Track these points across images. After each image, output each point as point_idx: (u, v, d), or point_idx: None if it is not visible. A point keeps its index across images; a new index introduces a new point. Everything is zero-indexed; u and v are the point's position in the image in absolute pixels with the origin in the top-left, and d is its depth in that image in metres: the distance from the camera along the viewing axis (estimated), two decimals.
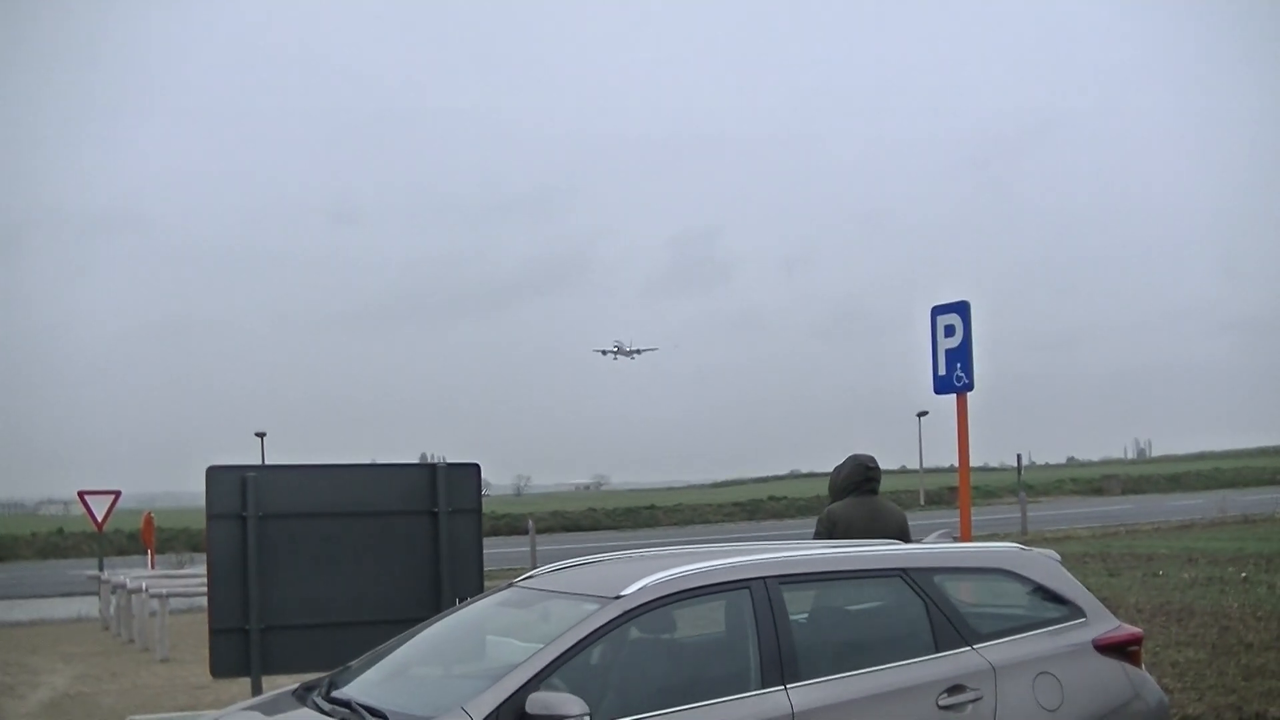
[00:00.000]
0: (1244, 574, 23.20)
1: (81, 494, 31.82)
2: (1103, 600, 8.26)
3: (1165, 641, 15.53)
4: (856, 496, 10.29)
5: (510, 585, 8.15)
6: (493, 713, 6.23)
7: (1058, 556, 8.17)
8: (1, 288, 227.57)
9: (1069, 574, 8.04)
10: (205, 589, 11.82)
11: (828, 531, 10.23)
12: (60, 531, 70.40)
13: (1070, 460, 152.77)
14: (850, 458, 10.53)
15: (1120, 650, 7.69)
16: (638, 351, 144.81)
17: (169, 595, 22.01)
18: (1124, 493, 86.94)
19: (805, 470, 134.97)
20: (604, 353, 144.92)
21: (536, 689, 6.32)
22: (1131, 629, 7.94)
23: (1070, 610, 7.77)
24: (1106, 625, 7.79)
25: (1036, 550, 8.19)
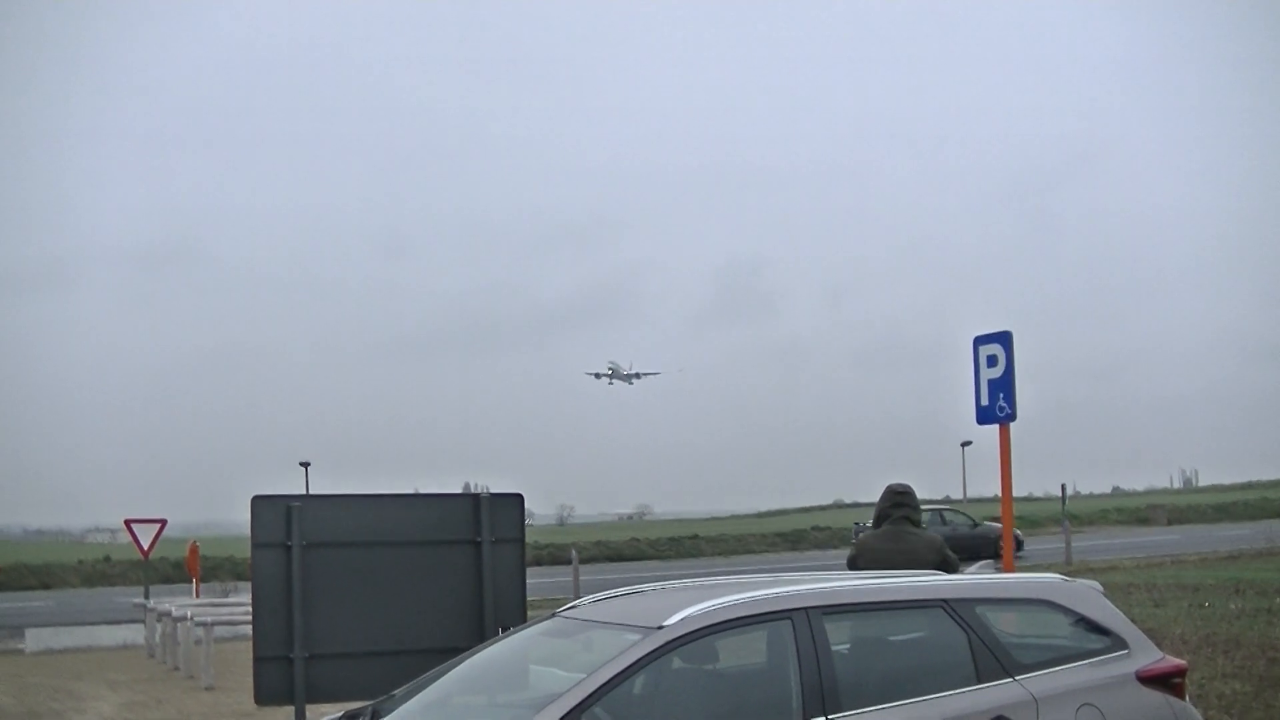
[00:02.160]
0: None
1: (128, 522, 31.98)
2: (1148, 631, 8.24)
3: (1211, 674, 15.42)
4: (888, 526, 10.32)
5: (553, 615, 8.19)
6: None
7: (1100, 587, 8.15)
8: (55, 319, 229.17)
9: (1112, 605, 8.01)
10: (250, 617, 11.88)
11: (852, 561, 10.31)
12: (107, 559, 70.74)
13: (1115, 490, 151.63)
14: (885, 487, 10.57)
15: (1164, 682, 7.66)
16: (636, 375, 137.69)
17: (214, 623, 22.13)
18: (1170, 523, 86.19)
19: (849, 500, 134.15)
20: (597, 376, 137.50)
21: (579, 719, 6.35)
22: (1176, 661, 7.90)
23: (1113, 641, 7.74)
24: (1150, 657, 7.76)
25: (1079, 580, 8.17)
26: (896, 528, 10.26)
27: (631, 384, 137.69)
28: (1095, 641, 7.74)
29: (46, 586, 63.14)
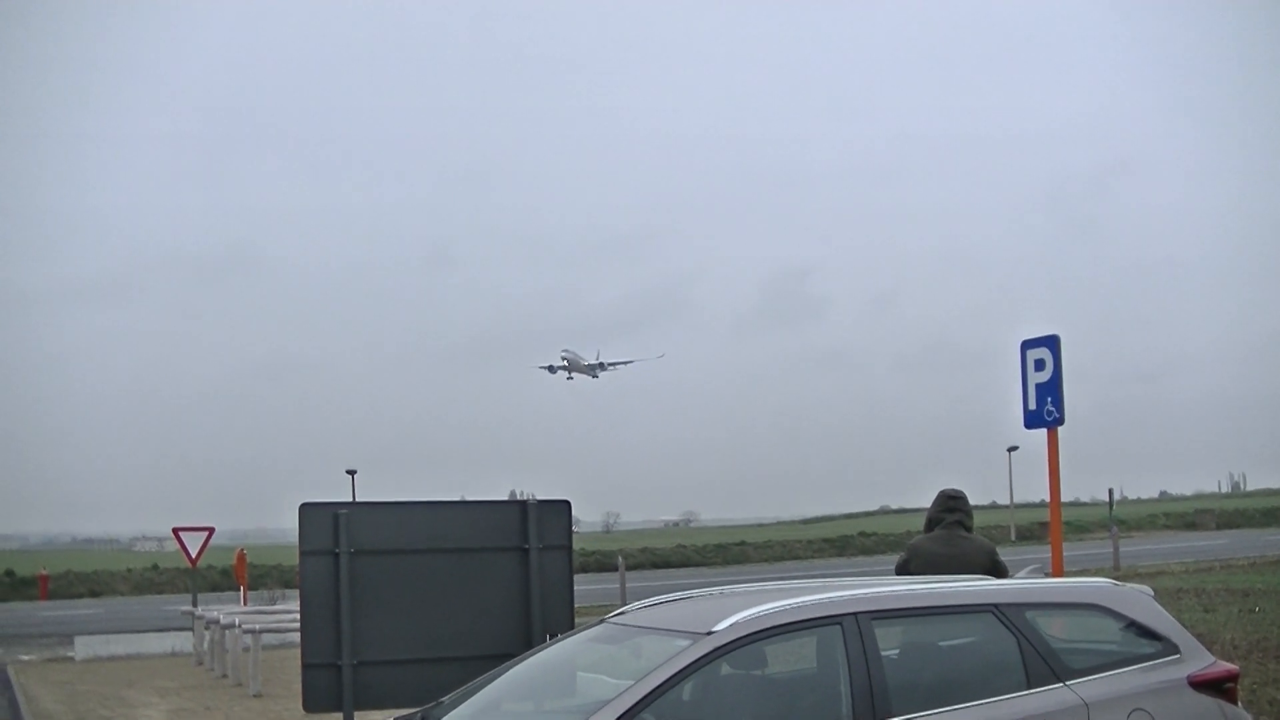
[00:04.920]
0: None
1: (176, 530, 32.13)
2: (1198, 636, 8.18)
3: (1262, 679, 15.30)
4: (941, 530, 10.31)
5: (602, 621, 8.18)
6: None
7: (1151, 591, 8.10)
8: (112, 329, 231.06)
9: (1163, 609, 7.96)
10: (298, 624, 11.92)
11: (903, 565, 10.28)
12: (155, 567, 71.30)
13: (1163, 494, 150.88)
14: (938, 492, 10.56)
15: (1216, 687, 7.60)
16: (601, 366, 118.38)
17: (262, 631, 22.18)
18: (1218, 527, 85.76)
19: (895, 506, 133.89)
20: (551, 370, 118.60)
21: None
22: (1227, 666, 7.84)
23: (1164, 646, 7.69)
24: (1202, 662, 7.71)
25: (1129, 585, 8.12)
26: (949, 532, 10.25)
27: (596, 376, 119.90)
28: (1146, 646, 7.69)
29: (95, 594, 63.64)
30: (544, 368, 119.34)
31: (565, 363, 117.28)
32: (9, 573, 66.98)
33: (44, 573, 64.57)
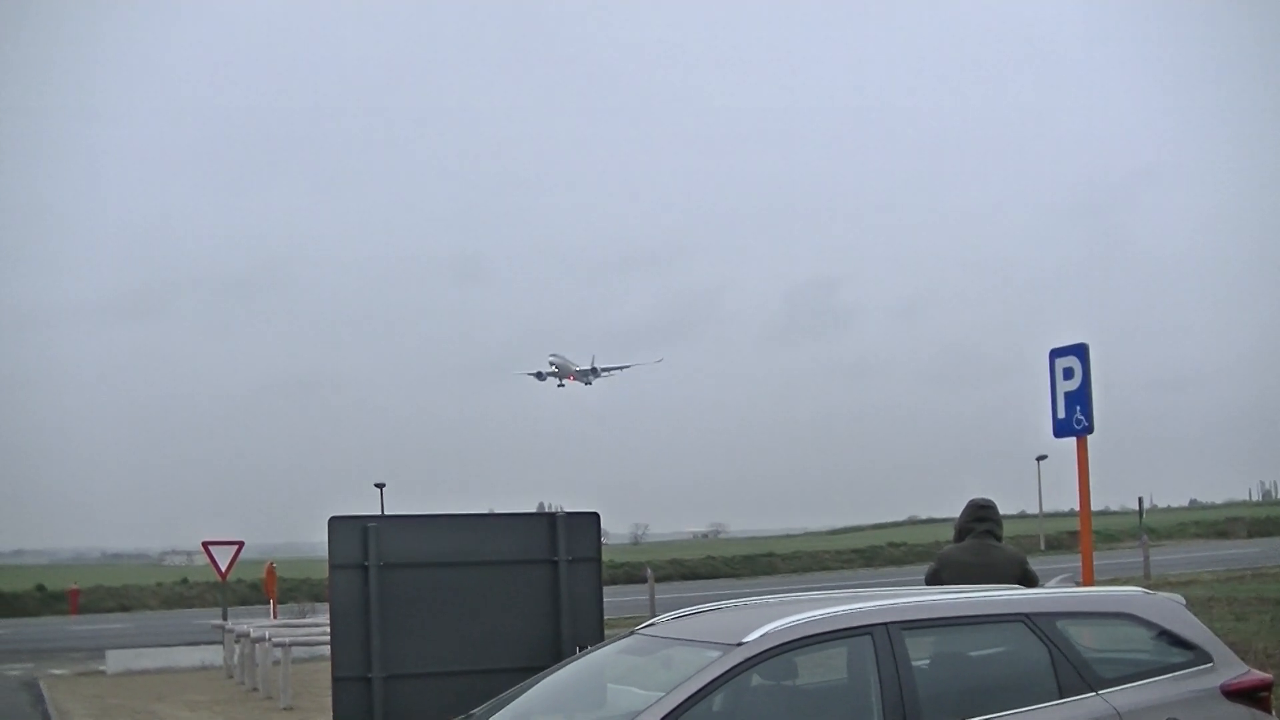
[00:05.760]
0: None
1: (205, 544, 32.27)
2: (1230, 645, 8.13)
3: None
4: (971, 540, 10.30)
5: (632, 633, 8.18)
6: None
7: (1183, 600, 8.06)
8: (142, 345, 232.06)
9: (1195, 618, 7.93)
10: (327, 638, 11.94)
11: (934, 575, 10.27)
12: (185, 581, 71.47)
13: (1192, 503, 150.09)
14: (968, 501, 10.54)
15: (1249, 696, 7.57)
16: (594, 371, 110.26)
17: (291, 644, 22.24)
18: (1249, 535, 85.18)
19: (923, 516, 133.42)
20: (540, 376, 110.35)
21: None
22: (1261, 674, 7.81)
23: (1197, 655, 7.66)
24: (1235, 670, 7.67)
25: (1161, 594, 8.09)
26: (979, 541, 10.23)
27: (589, 383, 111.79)
28: (1178, 655, 7.66)
29: (125, 609, 63.85)
30: (532, 374, 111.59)
31: (554, 368, 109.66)
32: (40, 587, 67.25)
33: (74, 587, 64.79)
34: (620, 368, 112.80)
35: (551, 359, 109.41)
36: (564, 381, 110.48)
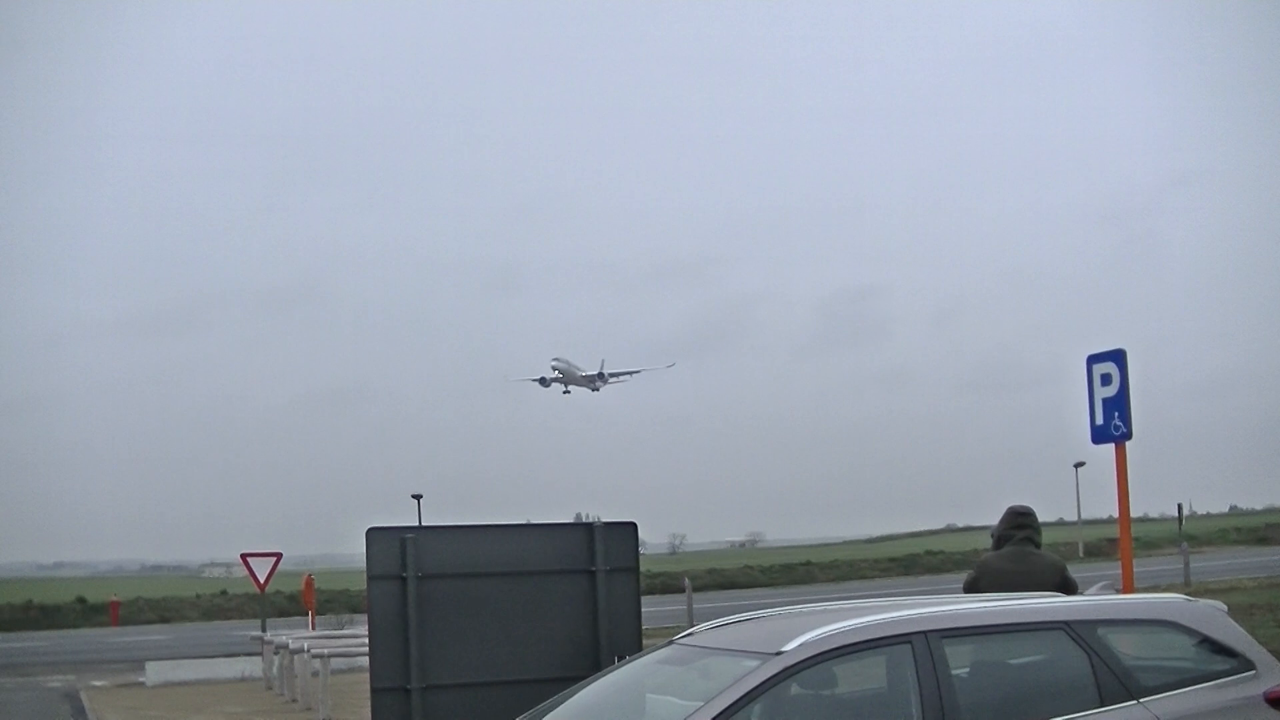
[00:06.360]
0: None
1: (244, 556, 32.32)
2: (1273, 652, 8.08)
3: None
4: (1010, 547, 10.25)
5: (670, 643, 8.18)
6: None
7: (1224, 607, 8.01)
8: (182, 362, 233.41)
9: (1236, 625, 7.88)
10: (366, 649, 11.95)
11: (973, 583, 10.23)
12: (224, 593, 71.72)
13: (1233, 509, 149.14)
14: (1006, 509, 10.50)
15: None
16: (601, 377, 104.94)
17: (330, 655, 22.29)
18: None
19: (961, 524, 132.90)
20: (543, 383, 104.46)
21: None
22: None
23: (1239, 663, 7.61)
24: (1278, 678, 7.63)
25: (1202, 601, 8.04)
26: (1018, 549, 10.19)
27: (597, 389, 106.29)
28: (1220, 663, 7.61)
29: (165, 620, 64.08)
30: (535, 380, 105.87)
31: (558, 374, 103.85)
32: (80, 599, 67.62)
33: (115, 599, 65.07)
34: (629, 373, 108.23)
35: (554, 363, 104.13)
36: (569, 388, 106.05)
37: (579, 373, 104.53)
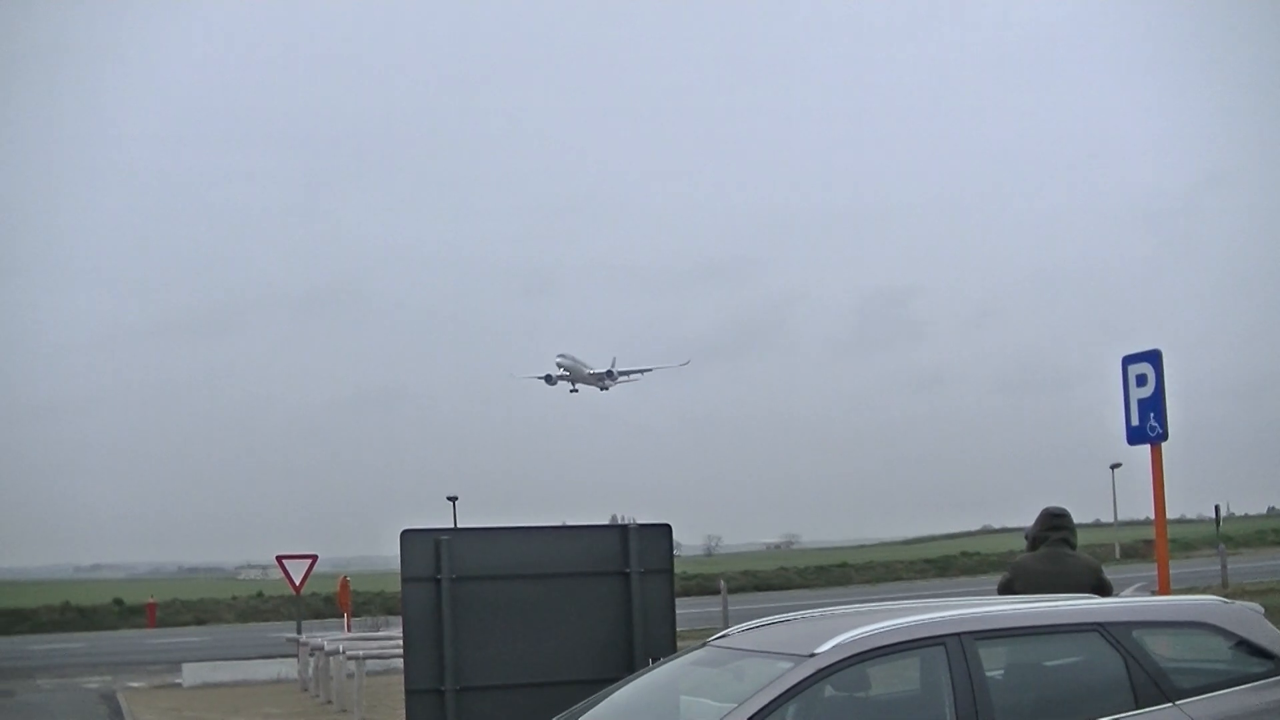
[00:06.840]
0: None
1: (280, 558, 32.42)
2: None
3: None
4: (1045, 548, 10.23)
5: (704, 644, 8.18)
6: None
7: (1261, 609, 7.97)
8: (218, 365, 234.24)
9: (1274, 627, 7.84)
10: (401, 651, 11.98)
11: (1008, 584, 10.21)
12: (260, 595, 71.95)
13: (1270, 510, 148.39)
14: (1041, 510, 10.48)
15: None
16: (610, 375, 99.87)
17: (365, 657, 22.32)
18: None
19: (997, 525, 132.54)
20: (549, 380, 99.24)
21: None
22: None
23: (1276, 665, 7.57)
24: None
25: (1239, 603, 8.00)
26: (1053, 550, 10.17)
27: (605, 388, 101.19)
28: (1257, 665, 7.57)
29: (202, 622, 64.31)
30: (540, 378, 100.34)
31: (565, 371, 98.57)
32: (118, 601, 68.01)
33: (152, 601, 65.33)
34: (641, 371, 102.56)
35: (560, 360, 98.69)
36: (576, 386, 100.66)
37: (586, 370, 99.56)
